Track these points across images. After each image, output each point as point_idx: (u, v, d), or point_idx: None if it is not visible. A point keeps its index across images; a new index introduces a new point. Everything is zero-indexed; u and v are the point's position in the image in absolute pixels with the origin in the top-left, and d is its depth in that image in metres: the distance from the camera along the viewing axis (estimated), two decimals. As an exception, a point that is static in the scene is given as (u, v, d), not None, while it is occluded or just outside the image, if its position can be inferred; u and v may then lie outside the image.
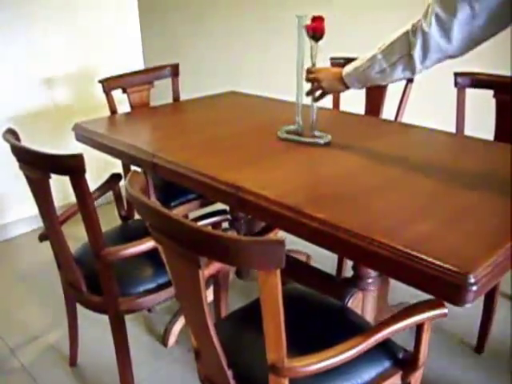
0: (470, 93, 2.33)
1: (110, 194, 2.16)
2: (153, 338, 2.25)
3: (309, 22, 1.75)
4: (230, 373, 1.25)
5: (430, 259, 1.10)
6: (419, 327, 1.31)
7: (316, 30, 1.75)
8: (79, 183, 1.48)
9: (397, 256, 1.15)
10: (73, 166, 1.46)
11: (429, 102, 2.90)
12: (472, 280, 1.05)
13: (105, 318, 1.77)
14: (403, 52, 1.46)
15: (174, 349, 2.18)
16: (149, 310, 2.40)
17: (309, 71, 1.80)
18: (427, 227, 1.24)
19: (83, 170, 1.46)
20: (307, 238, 1.36)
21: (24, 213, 3.17)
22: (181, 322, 2.20)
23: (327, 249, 1.31)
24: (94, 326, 2.19)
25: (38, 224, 2.15)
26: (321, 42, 1.76)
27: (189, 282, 1.12)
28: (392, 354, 1.40)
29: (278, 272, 0.99)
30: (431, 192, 1.47)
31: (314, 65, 1.80)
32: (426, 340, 1.34)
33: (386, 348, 1.40)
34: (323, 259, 2.25)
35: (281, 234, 1.50)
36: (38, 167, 1.52)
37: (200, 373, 1.44)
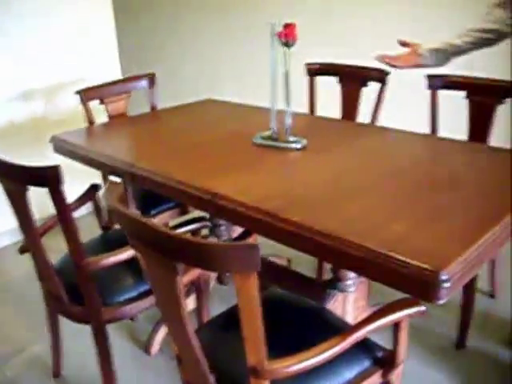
0: (444, 95, 2.38)
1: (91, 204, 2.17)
2: (136, 346, 2.25)
3: (281, 29, 1.78)
4: (211, 378, 1.27)
5: (402, 258, 1.13)
6: (397, 325, 1.34)
7: (288, 37, 1.78)
8: (57, 194, 1.49)
9: (370, 256, 1.18)
10: (50, 178, 1.47)
11: (403, 105, 2.95)
12: (444, 277, 1.08)
13: (88, 328, 1.77)
14: None
15: (157, 357, 2.19)
16: (131, 319, 2.40)
17: None
18: (400, 228, 1.27)
19: (60, 181, 1.47)
20: (284, 242, 1.38)
21: (5, 226, 3.15)
22: (163, 331, 2.21)
23: (304, 252, 1.34)
24: (78, 337, 2.18)
25: (20, 236, 2.16)
26: (293, 49, 1.79)
27: (167, 288, 1.13)
28: (372, 354, 1.43)
29: (255, 275, 1.01)
30: (405, 194, 1.50)
31: (287, 71, 1.83)
32: (405, 338, 1.37)
33: (365, 348, 1.43)
34: (304, 262, 2.28)
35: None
36: (15, 179, 1.53)
37: (183, 379, 1.45)
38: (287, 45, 1.79)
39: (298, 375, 1.22)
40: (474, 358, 2.11)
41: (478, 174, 1.65)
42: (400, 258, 1.14)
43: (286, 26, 1.78)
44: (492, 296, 2.48)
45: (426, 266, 1.10)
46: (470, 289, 2.09)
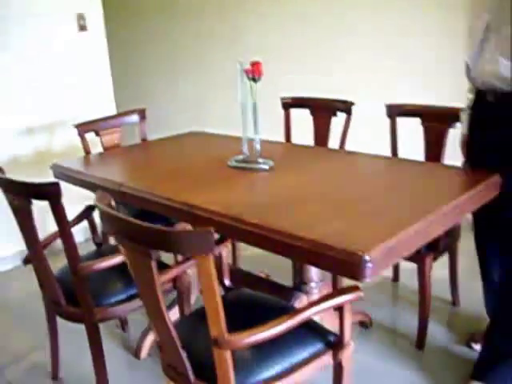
0: (403, 121, 2.68)
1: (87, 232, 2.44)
2: (126, 351, 2.49)
3: (248, 66, 2.08)
4: (184, 353, 1.51)
5: (337, 246, 1.40)
6: (340, 310, 1.59)
7: (255, 73, 2.07)
8: (56, 206, 1.76)
9: (312, 246, 1.44)
10: (51, 192, 1.74)
11: (368, 132, 3.25)
12: (367, 258, 1.34)
13: (84, 336, 2.01)
14: None
15: (145, 360, 2.43)
16: (123, 329, 2.64)
17: None
18: (339, 225, 1.54)
19: (60, 195, 1.74)
20: (246, 241, 1.65)
21: (6, 251, 3.42)
22: (150, 337, 2.44)
23: (262, 248, 1.60)
24: (74, 344, 2.43)
25: (19, 262, 2.45)
26: (259, 83, 2.09)
27: (146, 276, 1.39)
28: (323, 338, 1.67)
29: (211, 257, 1.27)
30: (349, 200, 1.77)
31: (254, 103, 2.12)
32: (349, 321, 1.61)
33: (317, 332, 1.68)
34: (283, 275, 2.53)
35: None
36: (21, 195, 1.80)
37: (163, 361, 1.69)
38: (254, 80, 2.09)
39: (257, 354, 1.48)
40: (433, 357, 2.34)
41: (414, 184, 1.93)
42: (335, 245, 1.40)
43: (253, 63, 2.08)
44: (454, 304, 2.72)
45: (354, 250, 1.36)
46: (423, 292, 2.33)
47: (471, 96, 2.07)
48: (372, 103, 3.15)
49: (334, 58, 3.97)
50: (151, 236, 1.30)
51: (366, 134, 3.37)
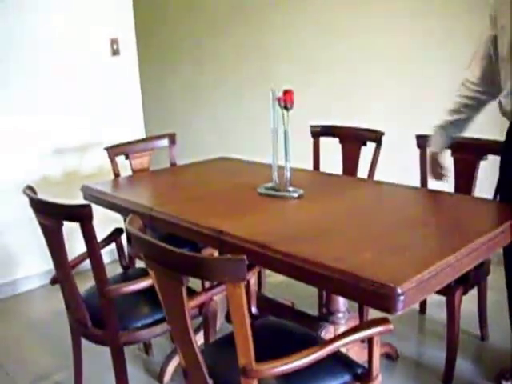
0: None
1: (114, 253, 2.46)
2: (149, 376, 2.48)
3: (281, 94, 2.09)
4: (210, 382, 1.50)
5: (368, 277, 1.38)
6: (370, 342, 1.57)
7: (287, 101, 2.09)
8: (87, 228, 1.78)
9: (343, 277, 1.43)
10: (82, 214, 1.76)
11: (398, 162, 3.24)
12: (399, 291, 1.32)
13: (108, 358, 2.01)
14: None
15: (169, 385, 2.42)
16: (146, 353, 2.63)
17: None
18: (369, 256, 1.53)
19: (91, 217, 1.76)
20: (274, 269, 1.65)
21: (33, 269, 3.46)
22: (174, 363, 2.43)
23: (290, 277, 1.59)
24: (98, 365, 2.43)
25: (46, 281, 2.47)
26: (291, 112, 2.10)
27: (174, 299, 1.39)
28: (351, 369, 1.64)
29: (243, 285, 1.27)
30: (379, 231, 1.76)
31: (285, 131, 2.13)
32: (378, 353, 1.59)
33: (345, 364, 1.66)
34: (308, 304, 2.52)
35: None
36: (52, 216, 1.82)
37: (188, 388, 1.68)
38: (286, 108, 2.10)
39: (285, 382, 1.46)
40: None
41: (445, 216, 1.91)
42: (366, 277, 1.39)
43: (285, 92, 2.09)
44: (483, 339, 2.66)
45: (386, 282, 1.34)
46: (452, 328, 2.29)
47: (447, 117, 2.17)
48: (404, 132, 3.14)
49: (368, 85, 3.98)
50: (183, 261, 1.31)
51: (395, 163, 3.35)
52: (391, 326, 1.55)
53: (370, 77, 3.92)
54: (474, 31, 2.25)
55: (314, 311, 2.59)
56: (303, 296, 2.80)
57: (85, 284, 2.16)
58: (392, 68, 3.80)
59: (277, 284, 3.04)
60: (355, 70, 4.00)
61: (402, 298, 1.32)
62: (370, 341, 1.56)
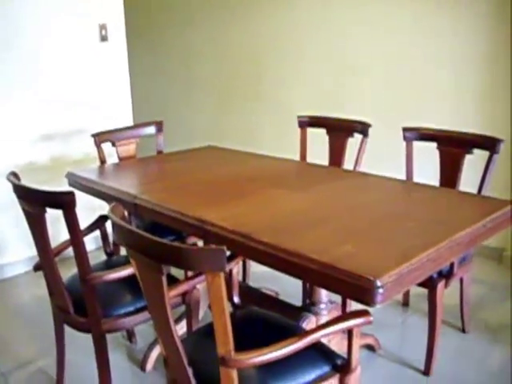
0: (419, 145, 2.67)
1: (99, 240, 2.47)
2: (132, 363, 2.48)
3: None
4: (190, 370, 1.51)
5: (348, 269, 1.39)
6: (349, 334, 1.57)
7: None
8: (70, 215, 1.77)
9: (324, 269, 1.43)
10: (65, 201, 1.75)
11: (384, 154, 3.24)
12: (378, 283, 1.33)
13: (91, 345, 2.00)
14: None
15: (151, 373, 2.42)
16: (130, 340, 2.64)
17: None
18: (350, 248, 1.53)
19: (74, 204, 1.75)
20: (257, 260, 1.65)
21: (18, 255, 3.44)
22: (157, 351, 2.44)
23: (272, 268, 1.59)
24: (81, 352, 2.43)
25: (31, 267, 2.46)
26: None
27: (154, 288, 1.39)
28: (331, 360, 1.65)
29: (222, 274, 1.27)
30: (362, 223, 1.77)
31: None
32: (357, 345, 1.60)
33: (325, 355, 1.67)
34: (292, 294, 2.53)
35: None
36: (35, 203, 1.81)
37: (168, 377, 1.68)
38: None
39: (263, 373, 1.47)
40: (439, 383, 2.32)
41: (428, 209, 1.91)
42: (346, 269, 1.39)
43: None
44: (464, 331, 2.69)
45: (366, 275, 1.35)
46: (432, 319, 2.31)
47: None
48: (391, 125, 3.15)
49: (355, 74, 3.98)
50: (163, 251, 1.30)
51: (382, 155, 3.37)
52: (371, 318, 1.56)
53: (362, 68, 3.93)
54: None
55: (298, 302, 2.60)
56: (288, 286, 2.81)
57: (69, 271, 2.15)
58: (386, 59, 3.81)
59: (262, 274, 3.04)
60: (347, 62, 4.00)
61: (381, 290, 1.33)
62: (349, 332, 1.57)
